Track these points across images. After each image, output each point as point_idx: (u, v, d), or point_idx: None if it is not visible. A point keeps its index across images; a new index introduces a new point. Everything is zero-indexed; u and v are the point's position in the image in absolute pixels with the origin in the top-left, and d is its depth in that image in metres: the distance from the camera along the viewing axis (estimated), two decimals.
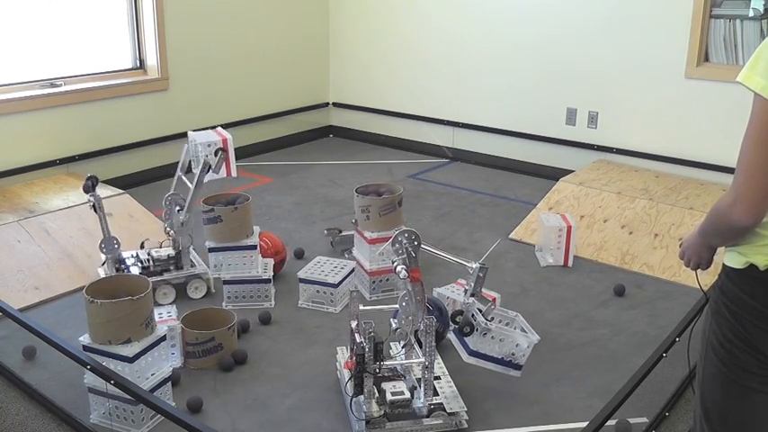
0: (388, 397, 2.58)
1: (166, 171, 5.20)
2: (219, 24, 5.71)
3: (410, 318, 2.60)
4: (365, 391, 2.52)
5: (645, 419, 2.69)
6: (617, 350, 3.21)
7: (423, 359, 2.56)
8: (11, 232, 3.86)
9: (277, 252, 3.78)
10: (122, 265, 3.54)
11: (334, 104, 6.79)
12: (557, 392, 2.87)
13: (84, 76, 5.06)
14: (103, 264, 3.51)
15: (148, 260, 3.57)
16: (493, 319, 2.68)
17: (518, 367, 2.65)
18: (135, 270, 3.50)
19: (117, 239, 3.49)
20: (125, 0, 5.22)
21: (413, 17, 6.07)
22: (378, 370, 2.51)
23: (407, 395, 2.59)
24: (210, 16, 5.63)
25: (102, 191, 4.48)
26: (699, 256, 1.78)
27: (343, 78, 6.67)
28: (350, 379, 2.54)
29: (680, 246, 1.86)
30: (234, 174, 3.56)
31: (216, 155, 3.47)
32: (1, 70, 4.65)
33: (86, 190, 3.39)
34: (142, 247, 3.71)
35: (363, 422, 2.53)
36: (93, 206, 3.40)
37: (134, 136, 5.27)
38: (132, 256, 3.61)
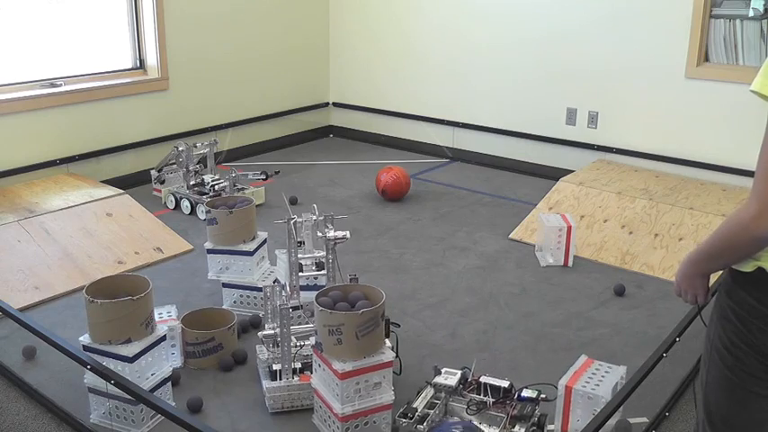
0: None
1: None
2: (219, 24, 5.71)
3: None
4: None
5: (645, 419, 2.69)
6: (617, 350, 3.21)
7: None
8: (11, 232, 3.87)
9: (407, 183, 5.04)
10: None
11: (334, 104, 6.79)
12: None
13: (84, 76, 5.06)
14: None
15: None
16: None
17: None
18: None
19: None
20: (125, 0, 5.22)
21: (413, 17, 6.07)
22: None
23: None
24: (210, 16, 5.63)
25: (102, 191, 4.51)
26: (694, 287, 1.72)
27: (343, 78, 6.67)
28: None
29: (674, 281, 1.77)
30: None
31: None
32: (1, 70, 4.65)
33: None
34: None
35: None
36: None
37: (134, 136, 5.27)
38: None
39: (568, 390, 2.55)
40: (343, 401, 2.48)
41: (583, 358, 2.71)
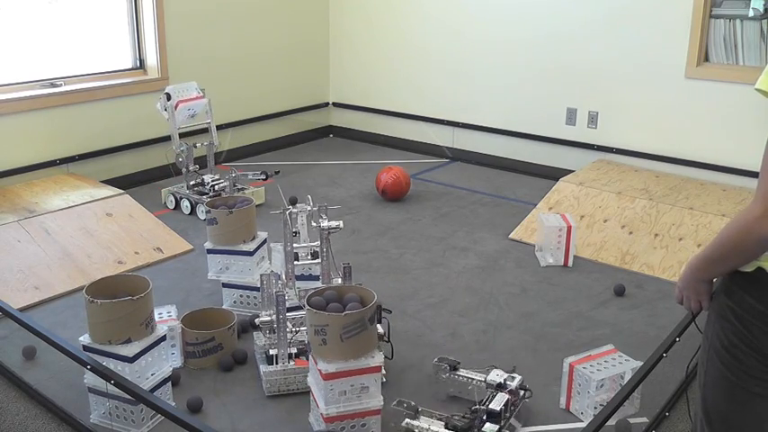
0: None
1: (166, 171, 5.21)
2: (219, 24, 5.71)
3: None
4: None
5: (645, 419, 2.69)
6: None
7: None
8: (11, 232, 3.87)
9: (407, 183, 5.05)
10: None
11: (334, 104, 6.79)
12: (557, 392, 2.87)
13: (84, 76, 5.06)
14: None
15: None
16: None
17: None
18: None
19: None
20: (125, 0, 5.22)
21: (413, 17, 6.07)
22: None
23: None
24: (210, 16, 5.63)
25: (102, 191, 4.51)
26: (697, 293, 1.71)
27: (343, 78, 6.67)
28: None
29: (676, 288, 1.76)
30: None
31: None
32: (1, 70, 4.65)
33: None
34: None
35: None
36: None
37: (134, 136, 5.27)
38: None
39: (571, 368, 2.73)
40: (328, 402, 2.46)
41: (609, 346, 2.86)
